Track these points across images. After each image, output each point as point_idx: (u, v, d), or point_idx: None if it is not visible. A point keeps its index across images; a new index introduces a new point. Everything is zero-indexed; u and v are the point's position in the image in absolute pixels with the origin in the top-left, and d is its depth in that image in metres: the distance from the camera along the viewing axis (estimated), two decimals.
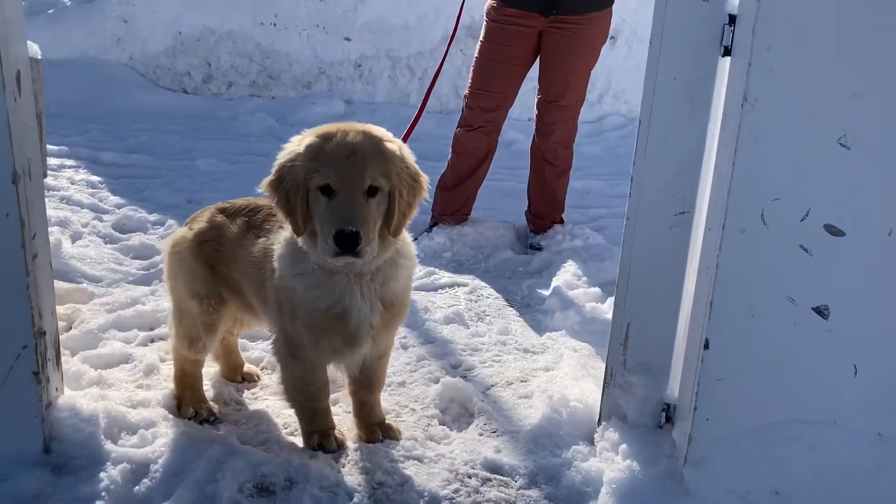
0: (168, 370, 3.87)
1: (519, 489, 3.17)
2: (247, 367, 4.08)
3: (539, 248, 6.31)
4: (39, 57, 2.99)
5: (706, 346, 2.78)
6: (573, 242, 6.36)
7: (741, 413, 2.86)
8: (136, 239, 5.97)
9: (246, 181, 7.66)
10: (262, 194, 3.01)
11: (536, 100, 6.27)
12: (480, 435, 3.57)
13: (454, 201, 6.29)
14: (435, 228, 6.23)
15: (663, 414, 3.17)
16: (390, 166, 2.79)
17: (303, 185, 2.76)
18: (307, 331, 3.01)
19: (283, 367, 3.22)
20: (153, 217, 6.52)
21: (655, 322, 3.11)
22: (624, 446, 3.11)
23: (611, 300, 5.21)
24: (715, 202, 2.79)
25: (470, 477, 3.22)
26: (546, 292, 5.52)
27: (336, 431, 3.30)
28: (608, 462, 3.14)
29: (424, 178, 2.96)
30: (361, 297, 2.94)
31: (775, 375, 2.79)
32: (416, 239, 6.04)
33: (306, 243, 2.87)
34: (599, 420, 3.31)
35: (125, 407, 3.43)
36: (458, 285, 5.59)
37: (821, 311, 2.71)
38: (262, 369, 4.16)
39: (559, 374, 4.04)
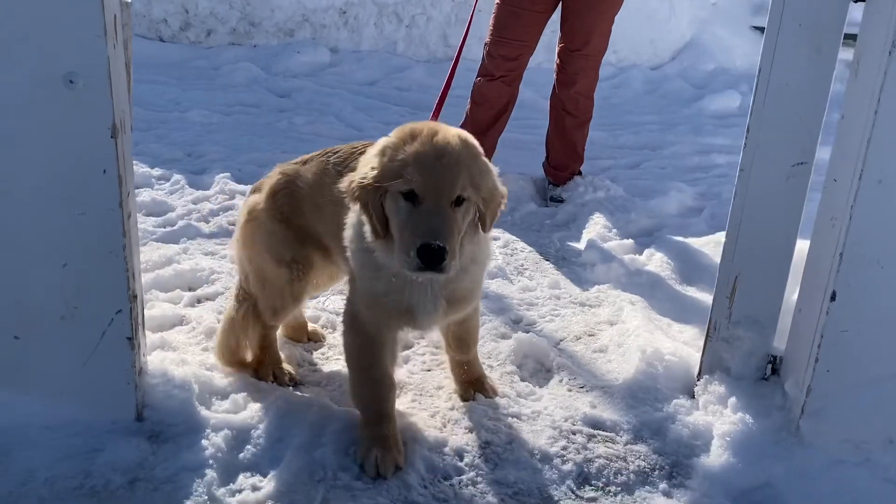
0: None
1: (626, 444, 3.15)
2: (311, 326, 3.96)
3: (561, 201, 6.26)
4: (129, 0, 2.75)
5: (833, 298, 2.78)
6: (595, 194, 6.34)
7: (861, 364, 2.87)
8: (145, 195, 5.71)
9: (244, 134, 7.44)
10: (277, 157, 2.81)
11: (558, 49, 6.15)
12: (569, 391, 3.53)
13: None
14: None
15: (769, 366, 3.17)
16: (480, 175, 2.58)
17: (380, 188, 2.54)
18: (366, 309, 2.86)
19: (344, 333, 3.02)
20: (156, 172, 6.25)
21: (765, 274, 3.10)
22: (733, 399, 3.11)
23: (648, 252, 5.26)
24: (844, 153, 2.76)
25: (574, 434, 3.18)
26: (578, 245, 5.50)
27: (395, 451, 2.88)
28: (716, 415, 3.14)
29: (504, 192, 2.74)
30: (427, 296, 2.77)
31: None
32: None
33: (380, 248, 2.64)
34: (700, 374, 3.30)
35: (207, 371, 3.29)
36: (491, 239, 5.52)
37: None
38: (322, 328, 4.04)
39: (629, 328, 4.02)
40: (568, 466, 3.01)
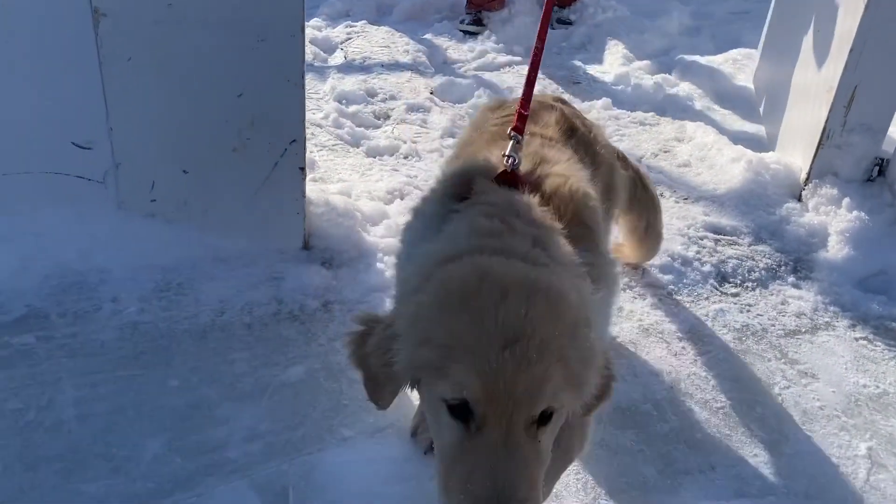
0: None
1: (749, 245, 3.45)
2: None
3: (569, 22, 6.26)
4: None
5: None
6: (605, 15, 6.36)
7: None
8: None
9: None
10: None
11: None
12: (676, 202, 3.77)
13: None
14: (469, 19, 6.01)
15: (876, 168, 3.47)
16: (582, 361, 1.54)
17: (408, 377, 1.62)
18: None
19: None
20: None
21: (883, 83, 3.31)
22: (846, 200, 3.42)
23: (676, 73, 5.39)
24: None
25: (702, 239, 3.45)
26: (604, 68, 5.58)
27: None
28: (829, 215, 3.46)
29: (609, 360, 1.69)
30: None
31: None
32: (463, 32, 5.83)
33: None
34: (808, 179, 3.57)
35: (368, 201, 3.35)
36: (515, 64, 5.55)
37: None
38: None
39: (706, 143, 4.24)
40: (707, 268, 3.28)
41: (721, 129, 4.37)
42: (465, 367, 1.44)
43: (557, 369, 1.46)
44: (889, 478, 2.46)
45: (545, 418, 1.50)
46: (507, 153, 1.95)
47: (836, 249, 3.34)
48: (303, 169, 2.88)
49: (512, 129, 2.05)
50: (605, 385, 1.64)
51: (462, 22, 5.91)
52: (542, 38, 2.28)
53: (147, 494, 2.18)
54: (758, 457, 2.48)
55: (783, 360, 2.88)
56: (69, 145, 2.77)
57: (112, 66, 2.62)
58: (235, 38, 2.61)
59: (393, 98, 4.74)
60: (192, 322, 2.76)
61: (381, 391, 1.66)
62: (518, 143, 2.01)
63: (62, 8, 2.56)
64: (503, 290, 1.48)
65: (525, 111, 2.09)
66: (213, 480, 2.23)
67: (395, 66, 5.24)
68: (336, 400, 2.51)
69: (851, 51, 3.28)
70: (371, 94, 4.74)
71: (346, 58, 5.30)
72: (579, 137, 2.37)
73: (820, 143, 3.48)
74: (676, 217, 3.57)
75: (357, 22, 6.00)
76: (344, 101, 4.59)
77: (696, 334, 2.96)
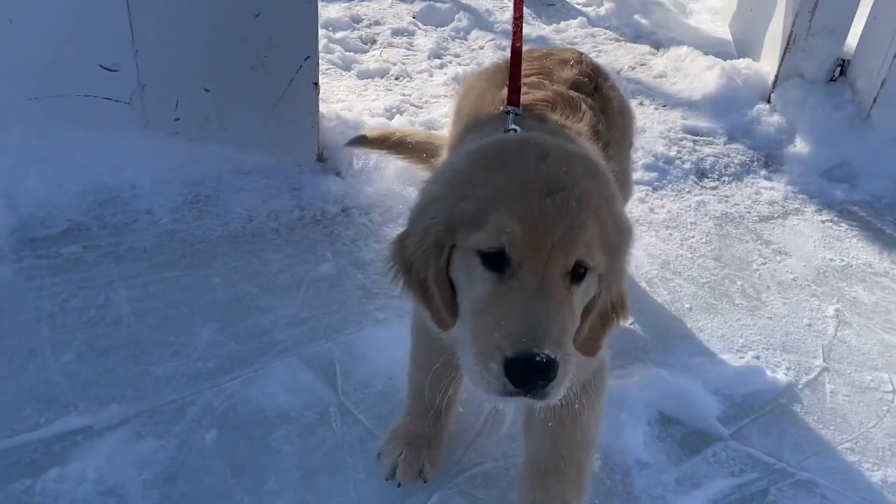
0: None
1: (725, 144, 3.76)
2: None
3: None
4: None
5: None
6: None
7: None
8: None
9: None
10: None
11: None
12: (655, 110, 4.05)
13: None
14: None
15: (838, 69, 3.77)
16: (617, 230, 1.61)
17: (444, 243, 1.59)
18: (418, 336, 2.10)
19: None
20: None
21: None
22: (811, 99, 3.73)
23: None
24: None
25: (682, 140, 3.75)
26: None
27: (427, 461, 2.14)
28: (797, 114, 3.77)
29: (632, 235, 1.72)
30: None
31: None
32: None
33: (450, 335, 1.74)
34: (776, 82, 3.87)
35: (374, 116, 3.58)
36: None
37: None
38: None
39: (679, 55, 4.51)
40: (687, 165, 3.59)
41: (693, 42, 4.63)
42: (505, 213, 1.48)
43: (593, 223, 1.51)
44: (853, 332, 2.83)
45: (578, 277, 1.52)
46: (508, 127, 1.92)
47: (802, 144, 3.67)
48: (316, 84, 3.09)
49: (507, 103, 2.02)
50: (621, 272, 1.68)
51: None
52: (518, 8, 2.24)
53: (208, 373, 2.44)
54: (740, 321, 2.82)
55: (759, 241, 3.22)
56: (97, 68, 2.94)
57: None
58: None
59: (377, 23, 4.90)
60: (225, 229, 3.00)
61: (432, 293, 1.62)
62: (517, 116, 1.98)
63: None
64: (543, 152, 1.57)
65: (518, 84, 2.07)
66: (267, 359, 2.50)
67: None
68: (367, 290, 2.78)
69: None
70: (356, 20, 4.90)
71: None
72: (601, 93, 2.38)
73: (787, 48, 3.77)
74: (657, 122, 3.86)
75: None
76: (330, 28, 4.74)
77: (681, 222, 3.27)
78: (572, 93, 2.27)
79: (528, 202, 1.48)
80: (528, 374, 1.41)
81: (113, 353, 2.47)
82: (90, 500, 2.08)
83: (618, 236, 1.60)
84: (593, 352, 1.71)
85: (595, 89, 2.38)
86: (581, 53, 2.55)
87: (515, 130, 1.89)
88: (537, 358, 1.40)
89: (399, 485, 2.15)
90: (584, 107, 2.22)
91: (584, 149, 1.80)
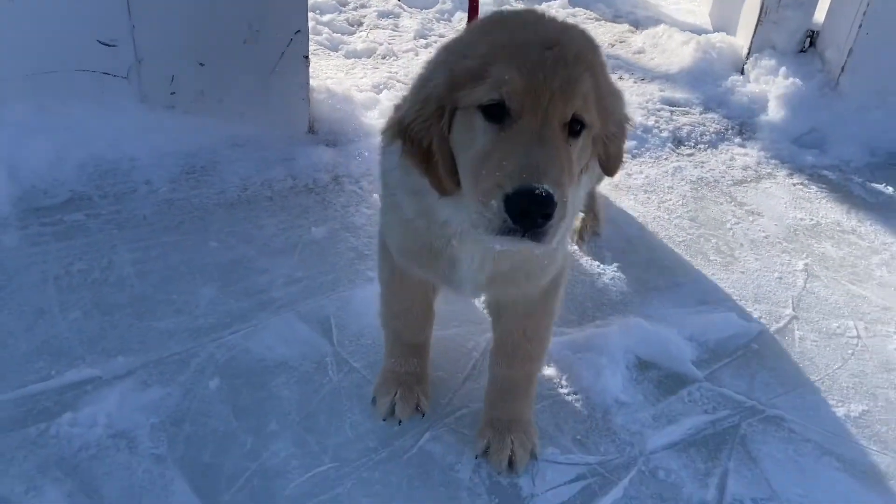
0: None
1: (701, 114, 3.91)
2: None
3: None
4: None
5: None
6: None
7: (890, 27, 3.66)
8: None
9: None
10: None
11: None
12: (634, 83, 4.20)
13: None
14: None
15: (808, 40, 3.93)
16: (609, 92, 1.69)
17: (446, 104, 1.63)
18: (398, 254, 2.08)
19: (377, 251, 2.25)
20: None
21: None
22: (783, 69, 3.88)
23: None
24: None
25: (659, 110, 3.90)
26: None
27: (421, 395, 2.31)
28: (769, 84, 3.93)
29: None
30: (468, 253, 1.88)
31: None
32: None
33: (447, 204, 1.74)
34: (749, 53, 4.02)
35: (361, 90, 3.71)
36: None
37: None
38: None
39: (657, 31, 4.66)
40: (665, 134, 3.74)
41: (672, 21, 4.78)
42: (505, 65, 1.53)
43: (588, 79, 1.57)
44: (821, 284, 2.98)
45: (577, 128, 1.58)
46: None
47: (774, 112, 3.82)
48: (307, 57, 3.22)
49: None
50: (621, 142, 1.78)
51: None
52: None
53: (209, 328, 2.57)
54: (715, 275, 2.98)
55: (733, 203, 3.37)
56: (95, 44, 3.06)
57: None
58: None
59: (363, 6, 5.03)
60: (221, 197, 3.12)
61: (434, 158, 1.64)
62: None
63: None
64: (539, 16, 1.69)
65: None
66: (265, 314, 2.63)
67: None
68: (358, 251, 2.92)
69: None
70: (342, 3, 5.03)
71: None
72: None
73: (759, 21, 3.92)
74: (636, 94, 4.01)
75: None
76: (318, 11, 4.86)
77: (659, 187, 3.42)
78: None
79: (527, 55, 1.54)
80: (527, 206, 1.45)
81: (118, 311, 2.60)
82: (102, 442, 2.20)
83: (612, 99, 1.69)
84: (614, 173, 1.82)
85: None
86: None
87: None
88: (536, 191, 1.44)
89: (399, 422, 2.28)
90: None
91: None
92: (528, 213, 1.46)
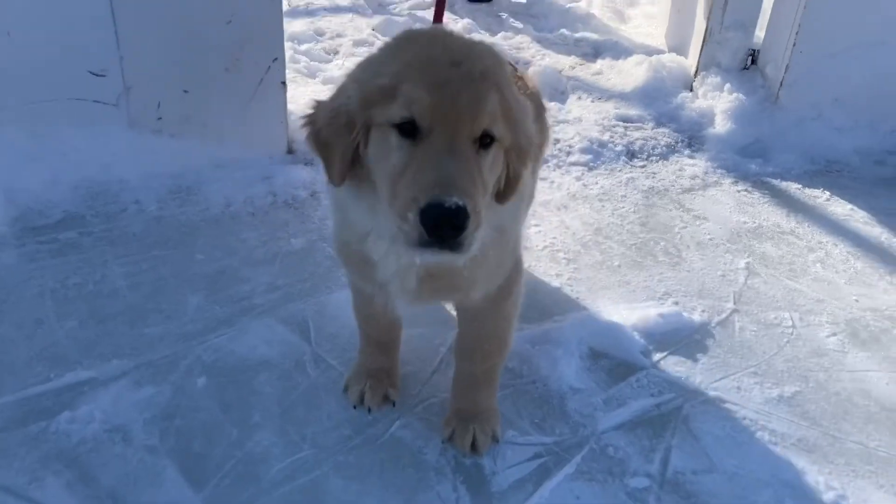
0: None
1: (652, 129, 4.20)
2: None
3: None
4: None
5: None
6: None
7: (822, 45, 3.98)
8: None
9: None
10: None
11: None
12: (592, 102, 4.49)
13: None
14: None
15: (750, 58, 4.24)
16: (517, 106, 1.75)
17: (356, 121, 1.70)
18: (343, 265, 2.25)
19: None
20: None
21: None
22: (728, 85, 4.18)
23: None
24: None
25: (614, 126, 4.18)
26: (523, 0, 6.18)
27: (390, 387, 2.53)
28: (715, 99, 4.22)
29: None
30: (395, 266, 1.97)
31: (850, 11, 3.89)
32: None
33: (356, 200, 1.84)
34: (697, 72, 4.33)
35: None
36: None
37: None
38: None
39: (614, 55, 4.96)
40: (619, 148, 4.02)
41: (630, 45, 5.09)
42: (414, 84, 1.60)
43: (495, 96, 1.64)
44: (761, 280, 3.25)
45: (488, 141, 1.66)
46: None
47: (721, 126, 4.12)
48: (284, 83, 3.48)
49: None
50: (532, 156, 1.86)
51: None
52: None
53: (197, 332, 2.79)
54: (662, 274, 3.24)
55: (681, 209, 3.64)
56: (86, 74, 3.30)
57: (122, 2, 3.16)
58: None
59: (339, 36, 5.30)
60: (205, 214, 3.36)
61: (333, 158, 1.74)
62: None
63: None
64: (448, 34, 1.77)
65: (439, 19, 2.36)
66: (247, 319, 2.86)
67: (336, 10, 5.78)
68: (334, 260, 3.14)
69: None
70: (319, 33, 5.30)
71: (289, 4, 5.81)
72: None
73: (704, 41, 4.23)
74: (593, 112, 4.30)
75: None
76: (296, 41, 5.14)
77: (613, 196, 3.69)
78: None
79: (436, 73, 1.61)
80: (440, 219, 1.52)
81: (111, 320, 2.82)
82: (98, 437, 2.41)
83: (519, 112, 1.75)
84: (512, 193, 1.85)
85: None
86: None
87: None
88: (446, 204, 1.51)
89: (369, 410, 2.50)
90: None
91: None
92: (442, 224, 1.54)
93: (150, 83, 3.35)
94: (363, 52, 5.03)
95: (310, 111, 1.83)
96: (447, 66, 1.62)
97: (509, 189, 1.83)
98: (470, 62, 1.65)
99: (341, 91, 1.78)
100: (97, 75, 3.30)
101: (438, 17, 2.60)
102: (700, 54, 4.23)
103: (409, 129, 1.62)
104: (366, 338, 2.54)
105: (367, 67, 1.74)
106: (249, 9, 3.25)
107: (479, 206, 1.60)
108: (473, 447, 2.41)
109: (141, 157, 3.48)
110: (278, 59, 3.39)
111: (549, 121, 2.97)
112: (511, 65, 2.66)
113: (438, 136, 1.59)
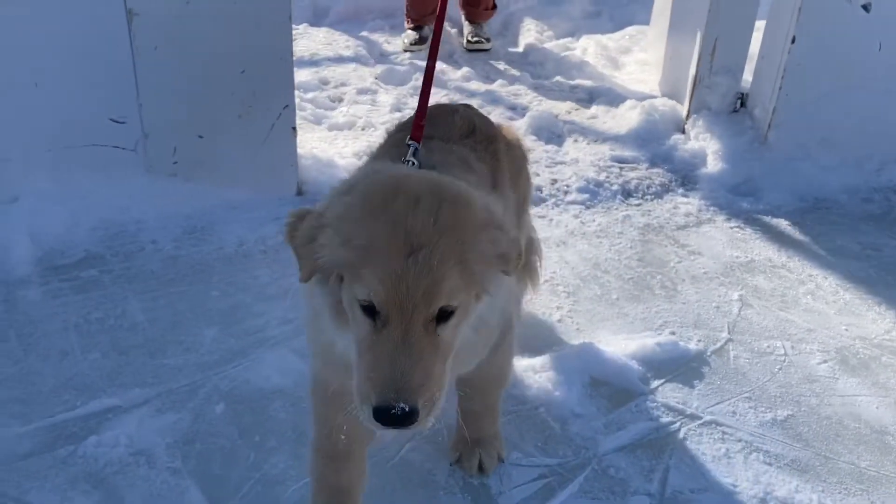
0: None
1: (647, 169, 4.38)
2: None
3: (485, 49, 6.11)
4: None
5: (793, 41, 4.02)
6: (517, 5, 7.24)
7: (808, 89, 4.18)
8: None
9: None
10: None
11: None
12: (587, 144, 4.68)
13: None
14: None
15: (738, 101, 4.45)
16: (481, 259, 1.73)
17: (331, 272, 1.74)
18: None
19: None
20: None
21: (737, 33, 4.29)
22: (718, 127, 4.38)
23: (581, 45, 6.31)
24: None
25: (610, 167, 4.36)
26: (518, 49, 6.37)
27: None
28: (706, 140, 4.41)
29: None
30: None
31: (832, 57, 4.11)
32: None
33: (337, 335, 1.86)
34: (688, 115, 4.53)
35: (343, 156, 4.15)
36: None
37: (866, 7, 4.02)
38: None
39: (610, 98, 5.17)
40: (615, 188, 4.20)
41: (625, 91, 5.31)
42: (373, 272, 1.61)
43: (455, 273, 1.64)
44: (754, 311, 3.39)
45: (445, 315, 1.66)
46: (406, 159, 2.13)
47: (713, 166, 4.30)
48: (294, 129, 3.66)
49: (410, 138, 2.21)
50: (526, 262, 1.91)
51: (405, 42, 6.08)
52: (433, 57, 2.60)
53: (214, 363, 2.93)
54: (659, 306, 3.37)
55: (676, 245, 3.80)
56: (107, 121, 3.48)
57: (142, 54, 3.36)
58: (237, 26, 3.37)
59: (343, 84, 5.51)
60: (220, 253, 3.51)
61: (306, 271, 1.75)
62: (416, 151, 2.16)
63: (101, 10, 3.29)
64: (416, 199, 1.67)
65: (421, 122, 2.28)
66: (262, 350, 2.99)
67: (340, 60, 6.00)
68: None
69: (710, 12, 4.24)
70: (324, 82, 5.51)
71: (294, 55, 6.03)
72: (479, 136, 2.50)
73: (694, 86, 4.43)
74: (589, 154, 4.48)
75: (298, 25, 6.70)
76: (302, 90, 5.32)
77: (610, 232, 3.85)
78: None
79: (393, 263, 1.61)
80: (389, 423, 1.62)
81: (133, 352, 2.95)
82: (124, 460, 2.53)
83: (484, 268, 1.72)
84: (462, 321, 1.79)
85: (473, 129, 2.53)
86: (467, 105, 2.80)
87: (412, 164, 2.11)
88: (392, 411, 1.59)
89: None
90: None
91: (468, 184, 1.91)
92: (393, 425, 1.62)
93: (167, 129, 3.53)
94: (366, 100, 5.25)
95: (293, 219, 1.84)
96: (405, 256, 1.62)
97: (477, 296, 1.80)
98: (430, 247, 1.63)
99: (319, 227, 1.73)
100: (117, 122, 3.48)
101: (432, 61, 2.66)
102: (691, 98, 4.42)
103: (371, 309, 1.65)
104: (321, 489, 2.32)
105: (342, 227, 1.69)
106: (262, 59, 3.45)
107: (435, 388, 1.66)
108: (480, 468, 2.52)
109: (157, 200, 3.64)
110: (289, 107, 3.58)
111: (532, 170, 3.06)
112: (491, 123, 2.75)
113: (395, 326, 1.63)
